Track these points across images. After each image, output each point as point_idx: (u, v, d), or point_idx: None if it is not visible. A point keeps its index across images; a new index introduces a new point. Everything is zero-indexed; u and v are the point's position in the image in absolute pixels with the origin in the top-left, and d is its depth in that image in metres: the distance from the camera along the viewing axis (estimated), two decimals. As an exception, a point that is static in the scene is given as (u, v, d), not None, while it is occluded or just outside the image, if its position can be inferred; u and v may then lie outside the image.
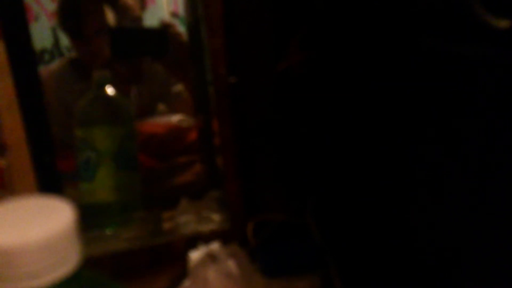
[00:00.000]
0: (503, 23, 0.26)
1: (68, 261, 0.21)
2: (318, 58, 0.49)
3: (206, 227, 0.54)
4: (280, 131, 0.54)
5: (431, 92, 0.33)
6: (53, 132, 0.48)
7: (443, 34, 0.31)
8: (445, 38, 0.31)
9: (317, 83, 0.50)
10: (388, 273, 0.41)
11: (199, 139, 0.65)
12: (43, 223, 0.20)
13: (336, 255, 0.47)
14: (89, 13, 0.72)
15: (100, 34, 0.71)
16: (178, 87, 0.79)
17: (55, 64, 0.84)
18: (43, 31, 0.93)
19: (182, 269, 0.49)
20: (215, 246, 0.50)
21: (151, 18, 0.84)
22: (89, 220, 0.54)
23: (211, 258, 0.48)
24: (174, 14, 0.98)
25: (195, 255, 0.49)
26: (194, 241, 0.51)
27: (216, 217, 0.56)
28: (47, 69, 0.84)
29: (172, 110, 0.79)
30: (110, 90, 0.57)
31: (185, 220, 0.55)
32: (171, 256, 0.52)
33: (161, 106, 0.81)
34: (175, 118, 0.75)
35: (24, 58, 0.44)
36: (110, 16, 0.70)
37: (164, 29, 0.67)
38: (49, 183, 0.46)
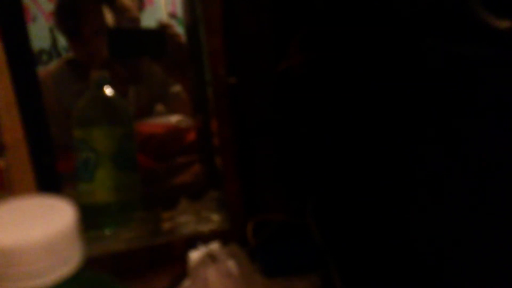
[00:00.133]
0: (503, 24, 0.26)
1: (69, 261, 0.21)
2: (318, 58, 0.49)
3: (205, 227, 0.54)
4: (280, 131, 0.54)
5: (432, 92, 0.33)
6: (52, 132, 0.48)
7: (443, 35, 0.31)
8: (445, 39, 0.31)
9: (317, 84, 0.50)
10: (388, 273, 0.41)
11: (198, 139, 0.65)
12: (44, 223, 0.20)
13: (336, 255, 0.47)
14: (87, 13, 0.72)
15: (98, 35, 0.71)
16: (177, 88, 0.79)
17: (53, 65, 0.84)
18: (41, 31, 0.92)
19: (181, 269, 0.49)
20: (214, 246, 0.50)
21: (149, 19, 0.84)
22: (88, 220, 0.53)
23: (211, 258, 0.48)
24: (172, 15, 0.98)
25: (194, 255, 0.49)
26: (194, 241, 0.51)
27: (215, 217, 0.56)
28: (45, 70, 0.83)
29: (171, 110, 0.79)
30: (108, 91, 0.57)
31: (185, 220, 0.55)
32: (170, 256, 0.52)
33: (159, 107, 0.81)
34: (174, 119, 0.75)
35: (23, 58, 0.44)
36: (108, 17, 0.70)
37: (162, 30, 0.67)
38: (48, 183, 0.46)
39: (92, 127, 0.55)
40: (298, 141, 0.53)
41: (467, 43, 0.29)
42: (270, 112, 0.53)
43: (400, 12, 0.35)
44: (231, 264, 0.46)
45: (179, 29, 0.69)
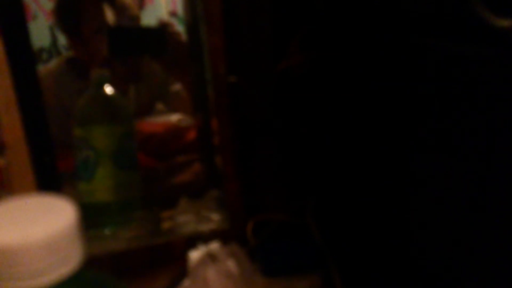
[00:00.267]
0: (504, 23, 0.26)
1: (70, 260, 0.21)
2: (318, 58, 0.49)
3: (205, 227, 0.54)
4: (280, 131, 0.54)
5: (432, 92, 0.33)
6: (52, 131, 0.48)
7: (444, 34, 0.31)
8: (446, 38, 0.31)
9: (317, 83, 0.50)
10: (388, 273, 0.41)
11: (198, 138, 0.65)
12: (45, 222, 0.20)
13: (336, 255, 0.47)
14: (87, 12, 0.72)
15: (98, 33, 0.71)
16: (177, 86, 0.79)
17: (53, 63, 0.84)
18: (41, 30, 0.93)
19: (181, 269, 0.49)
20: (214, 245, 0.50)
21: (150, 17, 0.84)
22: (88, 219, 0.53)
23: (211, 257, 0.48)
24: (173, 14, 0.98)
25: (194, 255, 0.49)
26: (194, 240, 0.51)
27: (215, 216, 0.56)
28: (46, 68, 0.84)
29: (171, 109, 0.79)
30: (108, 89, 0.57)
31: (185, 219, 0.55)
32: (170, 256, 0.52)
33: (160, 105, 0.81)
34: (174, 118, 0.75)
35: (23, 57, 0.44)
36: (109, 15, 0.70)
37: (163, 28, 0.67)
38: (48, 182, 0.46)
39: (92, 126, 0.55)
40: (298, 141, 0.53)
41: (468, 43, 0.29)
42: (270, 111, 0.53)
43: (400, 12, 0.35)
44: (231, 264, 0.46)
45: (179, 28, 0.69)
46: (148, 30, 0.69)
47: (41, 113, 0.47)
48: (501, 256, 0.28)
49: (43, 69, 0.84)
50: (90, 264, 0.22)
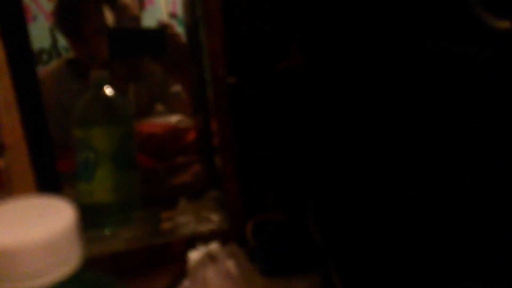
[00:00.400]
0: (503, 24, 0.26)
1: (69, 261, 0.21)
2: (318, 58, 0.49)
3: (205, 227, 0.54)
4: (280, 131, 0.54)
5: (432, 92, 0.33)
6: (52, 132, 0.48)
7: (444, 35, 0.31)
8: (445, 39, 0.31)
9: (317, 84, 0.50)
10: (388, 274, 0.41)
11: (197, 139, 0.65)
12: (44, 223, 0.20)
13: (336, 255, 0.47)
14: (88, 13, 0.72)
15: (99, 34, 0.71)
16: (177, 88, 0.80)
17: (53, 65, 0.84)
18: (41, 31, 0.93)
19: (181, 269, 0.49)
20: (214, 246, 0.50)
21: (149, 19, 0.84)
22: (87, 220, 0.53)
23: (210, 258, 0.48)
24: (172, 15, 0.98)
25: (194, 255, 0.49)
26: (193, 241, 0.51)
27: (215, 217, 0.56)
28: (46, 70, 0.84)
29: (171, 110, 0.79)
30: (108, 91, 0.57)
31: (184, 220, 0.55)
32: (170, 256, 0.52)
33: (159, 106, 0.81)
34: (174, 118, 0.75)
35: (23, 58, 0.44)
36: (109, 16, 0.70)
37: (162, 29, 0.67)
38: (48, 183, 0.46)
39: (92, 126, 0.55)
40: (298, 141, 0.53)
41: (467, 43, 0.29)
42: (270, 112, 0.53)
43: (400, 12, 0.35)
44: (230, 264, 0.46)
45: (179, 29, 0.69)
46: (148, 31, 0.69)
47: (41, 114, 0.47)
48: (501, 256, 0.28)
49: (43, 70, 0.84)
50: (90, 264, 0.23)
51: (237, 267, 0.47)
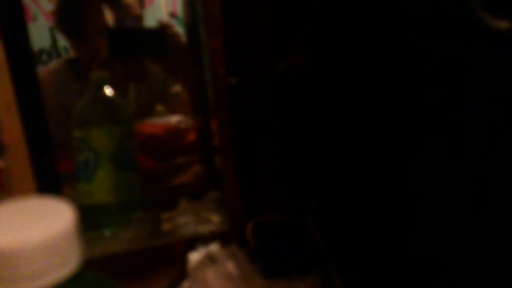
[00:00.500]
0: (503, 24, 0.26)
1: (69, 262, 0.21)
2: (318, 58, 0.49)
3: (205, 228, 0.54)
4: (280, 131, 0.54)
5: (431, 93, 0.33)
6: (52, 133, 0.48)
7: (443, 36, 0.31)
8: (445, 40, 0.31)
9: (317, 84, 0.50)
10: (388, 274, 0.41)
11: (198, 139, 0.65)
12: (43, 224, 0.20)
13: (336, 255, 0.47)
14: (89, 13, 0.72)
15: (100, 34, 0.71)
16: (177, 88, 0.79)
17: (53, 65, 0.84)
18: (41, 31, 0.93)
19: (181, 270, 0.49)
20: (214, 247, 0.50)
21: (149, 19, 0.84)
22: (87, 221, 0.53)
23: (211, 259, 0.48)
24: (173, 15, 0.98)
25: (194, 256, 0.49)
26: (193, 242, 0.51)
27: (215, 218, 0.56)
28: (46, 70, 0.84)
29: (171, 110, 0.79)
30: (108, 91, 0.57)
31: (184, 221, 0.55)
32: (170, 257, 0.52)
33: (159, 107, 0.81)
34: (174, 119, 0.75)
35: (22, 58, 0.44)
36: (109, 16, 0.70)
37: (162, 29, 0.67)
38: (48, 184, 0.46)
39: (92, 127, 0.55)
40: (298, 142, 0.53)
41: (467, 44, 0.29)
42: (270, 112, 0.53)
43: (400, 13, 0.35)
44: (230, 266, 0.46)
45: (179, 29, 0.69)
46: (148, 31, 0.69)
47: (41, 114, 0.47)
48: (501, 256, 0.28)
49: (43, 70, 0.84)
50: (90, 265, 0.22)
51: (237, 268, 0.47)
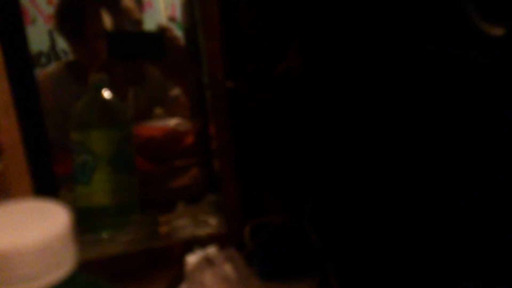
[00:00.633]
0: (497, 30, 0.26)
1: (63, 264, 0.21)
2: (316, 61, 0.49)
3: (203, 231, 0.54)
4: (278, 134, 0.54)
5: (429, 96, 0.33)
6: (50, 135, 0.48)
7: (440, 40, 0.31)
8: (442, 44, 0.31)
9: (316, 86, 0.50)
10: (386, 276, 0.41)
11: (196, 142, 0.65)
12: (38, 226, 0.20)
13: (334, 258, 0.47)
14: (88, 15, 0.72)
15: (100, 37, 0.71)
16: (175, 91, 0.80)
17: (52, 67, 0.84)
18: (39, 34, 0.93)
19: (179, 273, 0.48)
20: (212, 249, 0.50)
21: (149, 22, 0.84)
22: (85, 223, 0.53)
23: (208, 262, 0.48)
24: (171, 18, 0.98)
25: (191, 259, 0.49)
26: (191, 244, 0.51)
27: (213, 220, 0.56)
28: (44, 72, 0.84)
29: (169, 113, 0.79)
30: (107, 94, 0.57)
31: (182, 223, 0.55)
32: (167, 260, 0.52)
33: (158, 110, 0.81)
34: (172, 122, 0.75)
35: (21, 61, 0.44)
36: (107, 20, 0.70)
37: (161, 33, 0.67)
38: (45, 186, 0.46)
39: (90, 130, 0.55)
40: (296, 144, 0.53)
41: (463, 49, 0.29)
42: (268, 115, 0.53)
43: (398, 17, 0.36)
44: (228, 268, 0.46)
45: (178, 33, 0.69)
46: (147, 35, 0.69)
47: (39, 116, 0.47)
48: (501, 256, 0.28)
49: (41, 72, 0.84)
50: (88, 267, 0.22)
51: (235, 270, 0.47)
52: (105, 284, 0.24)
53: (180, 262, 0.49)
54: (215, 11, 0.49)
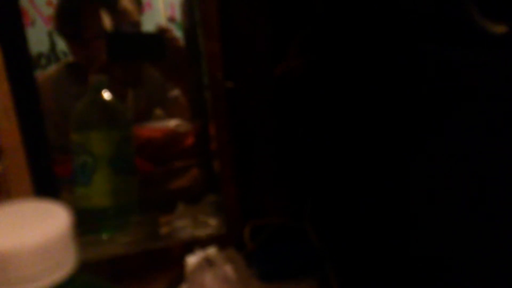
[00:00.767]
0: (500, 28, 0.26)
1: (63, 265, 0.21)
2: (316, 61, 0.49)
3: (202, 232, 0.54)
4: (278, 134, 0.54)
5: (429, 96, 0.33)
6: (50, 136, 0.48)
7: (441, 39, 0.31)
8: (443, 43, 0.31)
9: (316, 86, 0.50)
10: (386, 276, 0.41)
11: (196, 143, 0.65)
12: (39, 227, 0.20)
13: (334, 258, 0.47)
14: (88, 17, 0.73)
15: (99, 38, 0.71)
16: (175, 92, 0.80)
17: (52, 69, 0.84)
18: (39, 35, 0.93)
19: (178, 274, 0.48)
20: (211, 250, 0.50)
21: (148, 23, 0.84)
22: (85, 224, 0.53)
23: (208, 262, 0.48)
24: (171, 19, 0.98)
25: (191, 260, 0.49)
26: (191, 245, 0.51)
27: (213, 221, 0.56)
28: (44, 74, 0.84)
29: (169, 114, 0.79)
30: (107, 95, 0.57)
31: (182, 224, 0.55)
32: (167, 261, 0.52)
33: (158, 111, 0.81)
34: (172, 123, 0.75)
35: (21, 62, 0.44)
36: (107, 21, 0.70)
37: (161, 34, 0.67)
38: (45, 187, 0.46)
39: (90, 131, 0.55)
40: (296, 145, 0.53)
41: (463, 49, 0.29)
42: (268, 115, 0.53)
43: (398, 17, 0.36)
44: (228, 269, 0.46)
45: (177, 33, 0.69)
46: (147, 36, 0.69)
47: (39, 118, 0.47)
48: (501, 256, 0.28)
49: (41, 74, 0.84)
50: (87, 268, 0.23)
51: (235, 271, 0.47)
52: (106, 285, 0.24)
53: (180, 263, 0.49)
54: (215, 12, 0.49)
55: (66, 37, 0.79)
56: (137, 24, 0.77)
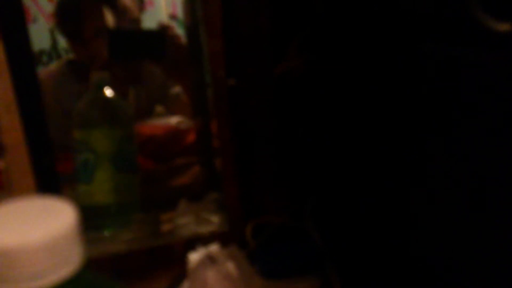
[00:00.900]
0: (503, 27, 0.26)
1: (70, 262, 0.21)
2: (316, 61, 0.49)
3: (205, 229, 0.54)
4: (279, 133, 0.54)
5: (431, 95, 0.33)
6: (52, 134, 0.48)
7: (443, 38, 0.31)
8: (445, 42, 0.31)
9: (316, 86, 0.50)
10: (387, 276, 0.41)
11: (197, 141, 0.65)
12: (45, 224, 0.20)
13: (335, 257, 0.47)
14: (88, 14, 0.72)
15: (99, 36, 0.71)
16: (177, 89, 0.80)
17: (54, 66, 0.84)
18: (41, 32, 0.93)
19: (181, 271, 0.49)
20: (214, 248, 0.50)
21: (150, 20, 0.84)
22: (87, 222, 0.53)
23: (210, 260, 0.48)
24: (173, 17, 0.98)
25: (194, 257, 0.49)
26: (193, 243, 0.51)
27: (215, 219, 0.56)
28: (46, 71, 0.84)
29: (171, 112, 0.79)
30: (108, 92, 0.57)
31: (184, 222, 0.55)
32: (170, 258, 0.52)
33: (159, 108, 0.82)
34: (174, 120, 0.75)
35: (23, 59, 0.44)
36: (109, 18, 0.70)
37: (162, 31, 0.67)
38: (48, 184, 0.46)
39: (92, 128, 0.55)
40: (298, 143, 0.53)
41: (467, 46, 0.29)
42: (268, 115, 0.53)
43: (400, 15, 0.36)
44: (230, 266, 0.46)
45: (179, 31, 0.69)
46: (148, 33, 0.69)
47: (41, 115, 0.47)
48: (501, 256, 0.28)
49: (43, 71, 0.84)
50: (89, 266, 0.23)
51: (237, 269, 0.47)
52: (111, 282, 0.24)
53: (182, 260, 0.49)
54: (217, 9, 0.49)
55: (66, 35, 0.79)
56: (136, 21, 0.77)
